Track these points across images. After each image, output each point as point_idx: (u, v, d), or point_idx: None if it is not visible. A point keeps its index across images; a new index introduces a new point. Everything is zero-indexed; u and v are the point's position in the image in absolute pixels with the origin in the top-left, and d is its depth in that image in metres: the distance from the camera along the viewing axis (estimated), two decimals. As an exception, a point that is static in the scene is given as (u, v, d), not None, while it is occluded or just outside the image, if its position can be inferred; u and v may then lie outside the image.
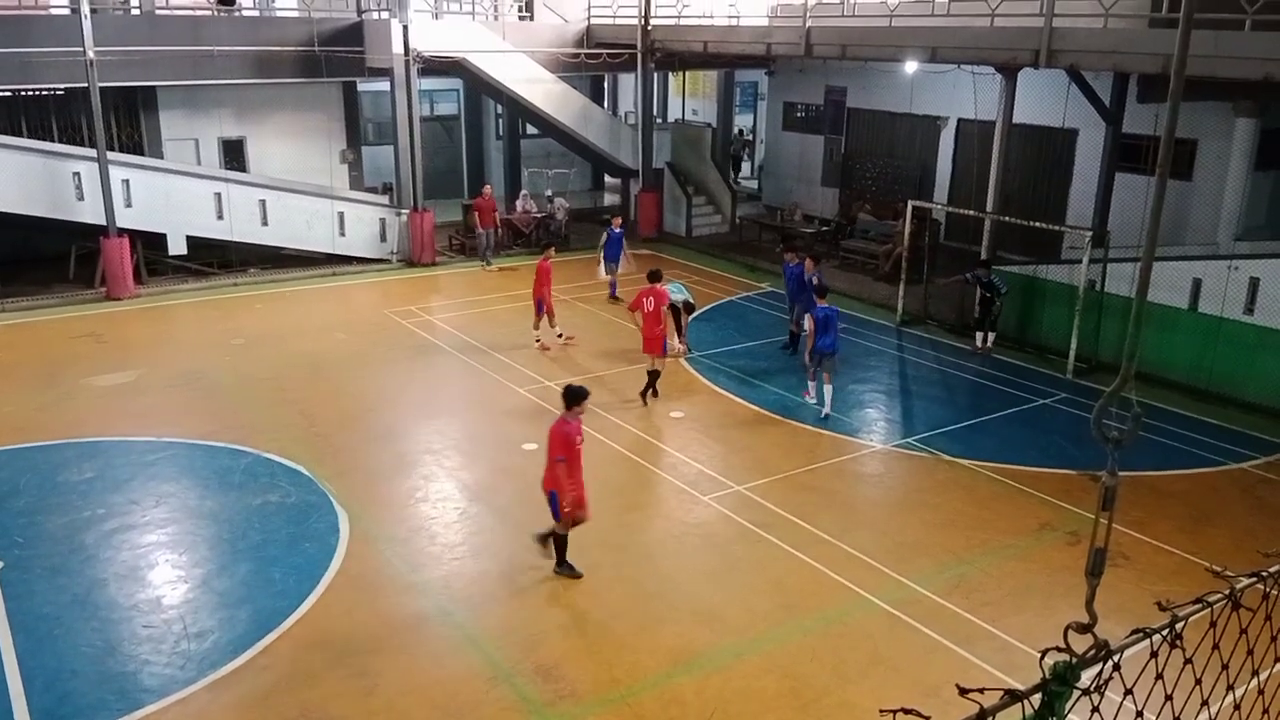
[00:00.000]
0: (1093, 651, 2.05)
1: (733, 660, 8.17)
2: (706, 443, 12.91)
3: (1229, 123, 16.32)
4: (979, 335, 16.21)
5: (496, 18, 24.05)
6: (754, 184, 30.13)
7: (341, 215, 21.03)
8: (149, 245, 19.53)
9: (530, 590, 9.27)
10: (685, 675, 7.96)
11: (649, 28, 23.12)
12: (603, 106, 28.59)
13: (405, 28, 20.20)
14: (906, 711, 1.80)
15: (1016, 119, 16.56)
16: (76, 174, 18.37)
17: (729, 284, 20.19)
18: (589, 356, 15.81)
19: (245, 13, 23.28)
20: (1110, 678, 2.04)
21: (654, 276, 14.28)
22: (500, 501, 11.01)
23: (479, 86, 24.06)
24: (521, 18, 24.68)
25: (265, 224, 20.25)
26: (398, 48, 20.30)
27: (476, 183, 26.79)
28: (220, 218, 19.78)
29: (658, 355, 13.77)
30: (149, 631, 8.47)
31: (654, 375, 13.86)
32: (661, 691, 7.76)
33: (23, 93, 20.01)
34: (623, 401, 13.86)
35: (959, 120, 21.74)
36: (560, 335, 16.24)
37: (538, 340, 16.03)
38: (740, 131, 31.86)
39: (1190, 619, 2.18)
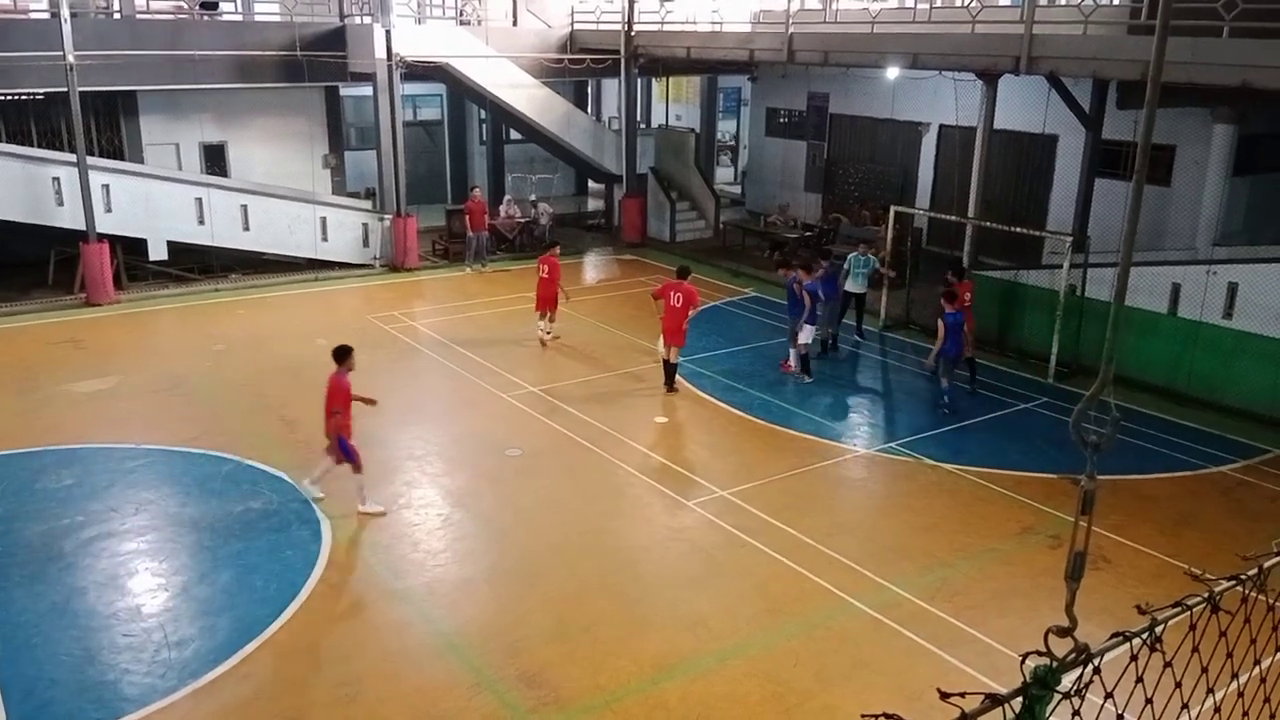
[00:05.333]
0: (1073, 655, 2.06)
1: (716, 665, 8.17)
2: (691, 448, 12.92)
3: (1207, 129, 16.47)
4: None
5: (480, 22, 24.04)
6: (737, 189, 30.23)
7: (324, 220, 20.93)
8: (129, 250, 19.41)
9: (513, 597, 9.24)
10: (669, 681, 7.95)
11: (632, 33, 23.15)
12: (586, 112, 28.60)
13: (388, 32, 20.14)
14: (888, 716, 1.80)
15: (997, 125, 16.65)
16: (56, 179, 18.22)
17: (713, 289, 20.20)
18: (578, 358, 15.79)
19: (226, 17, 23.17)
20: (1091, 681, 2.04)
21: (682, 273, 14.72)
22: (483, 508, 10.97)
23: (462, 91, 24.03)
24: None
25: (247, 229, 20.15)
26: (380, 52, 20.25)
27: (460, 188, 26.76)
28: (201, 223, 19.67)
29: (677, 346, 14.28)
30: (129, 640, 8.40)
31: (671, 367, 14.34)
32: (646, 697, 7.75)
33: (1, 97, 19.84)
34: (608, 406, 13.85)
35: (940, 126, 21.86)
36: (550, 334, 16.52)
37: (548, 335, 16.44)
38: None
39: (1170, 622, 2.19)
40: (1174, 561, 9.76)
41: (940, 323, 13.76)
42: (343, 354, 10.61)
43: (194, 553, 9.91)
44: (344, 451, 10.45)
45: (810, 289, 14.74)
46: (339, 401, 10.40)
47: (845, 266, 16.59)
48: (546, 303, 16.31)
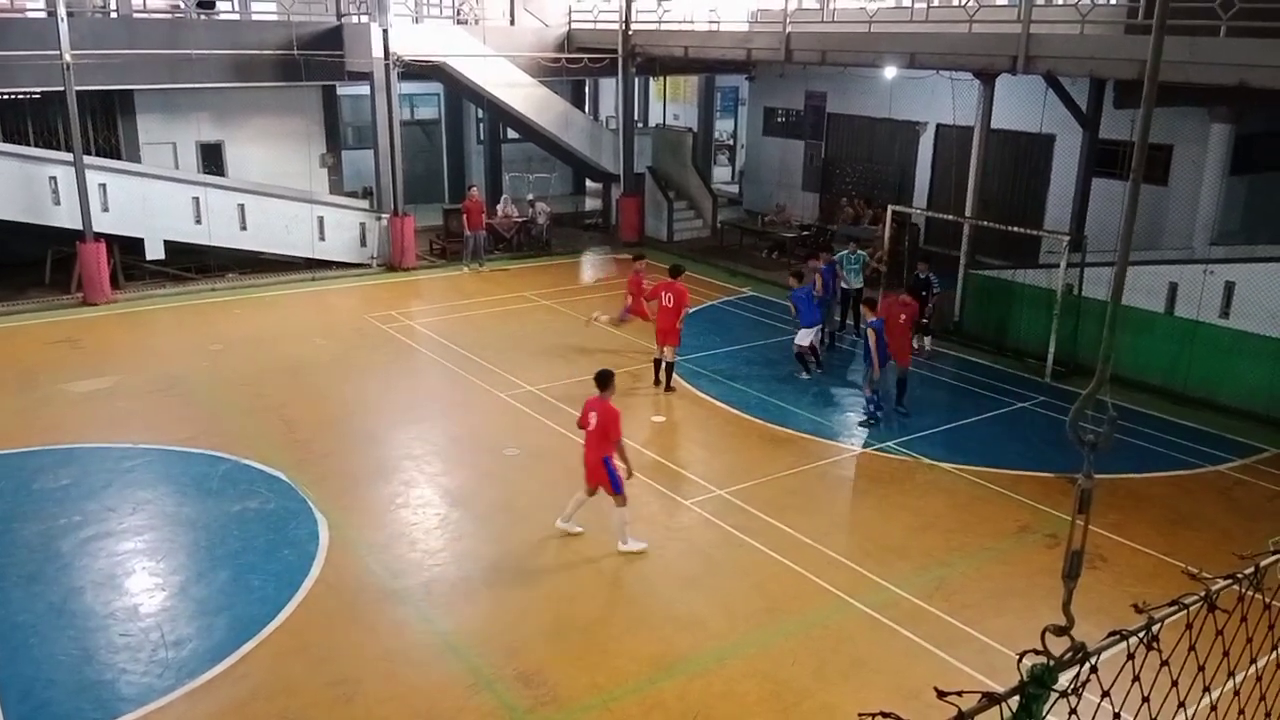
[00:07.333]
0: (1070, 654, 2.06)
1: (714, 664, 8.17)
2: (688, 447, 12.92)
3: (1204, 128, 16.48)
4: (915, 336, 15.97)
5: (477, 21, 24.02)
6: (734, 188, 30.22)
7: (321, 220, 20.92)
8: (126, 250, 19.38)
9: (512, 596, 9.24)
10: (667, 680, 7.95)
11: (630, 32, 23.15)
12: (584, 111, 28.58)
13: (385, 31, 20.13)
14: (885, 715, 1.80)
15: (994, 124, 16.67)
16: (53, 178, 18.20)
17: (710, 288, 20.21)
18: (576, 358, 15.77)
19: (224, 16, 23.13)
20: (1088, 680, 2.05)
21: (675, 272, 14.74)
22: (481, 507, 10.97)
23: (460, 90, 24.02)
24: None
25: (244, 228, 20.12)
26: (377, 51, 20.24)
27: (457, 187, 26.75)
28: (198, 222, 19.65)
29: (670, 346, 14.27)
30: (126, 640, 8.39)
31: (667, 366, 14.37)
32: (643, 696, 7.75)
33: (-2, 96, 19.83)
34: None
35: (938, 125, 21.88)
36: (596, 316, 16.45)
37: (606, 317, 16.34)
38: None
39: (1166, 621, 2.19)
40: (1171, 560, 9.77)
41: (870, 331, 13.11)
42: (606, 380, 9.86)
43: (191, 552, 9.91)
44: (614, 481, 9.73)
45: (795, 297, 14.80)
46: (618, 430, 9.67)
47: (838, 262, 16.68)
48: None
